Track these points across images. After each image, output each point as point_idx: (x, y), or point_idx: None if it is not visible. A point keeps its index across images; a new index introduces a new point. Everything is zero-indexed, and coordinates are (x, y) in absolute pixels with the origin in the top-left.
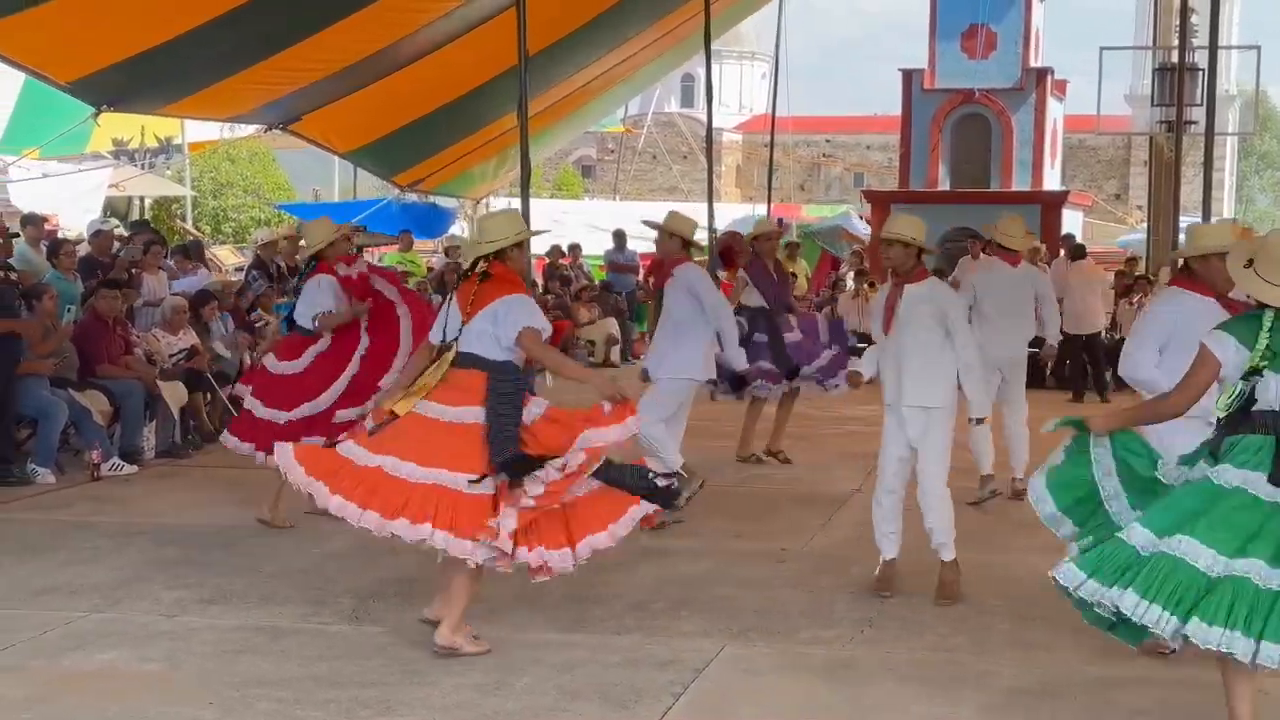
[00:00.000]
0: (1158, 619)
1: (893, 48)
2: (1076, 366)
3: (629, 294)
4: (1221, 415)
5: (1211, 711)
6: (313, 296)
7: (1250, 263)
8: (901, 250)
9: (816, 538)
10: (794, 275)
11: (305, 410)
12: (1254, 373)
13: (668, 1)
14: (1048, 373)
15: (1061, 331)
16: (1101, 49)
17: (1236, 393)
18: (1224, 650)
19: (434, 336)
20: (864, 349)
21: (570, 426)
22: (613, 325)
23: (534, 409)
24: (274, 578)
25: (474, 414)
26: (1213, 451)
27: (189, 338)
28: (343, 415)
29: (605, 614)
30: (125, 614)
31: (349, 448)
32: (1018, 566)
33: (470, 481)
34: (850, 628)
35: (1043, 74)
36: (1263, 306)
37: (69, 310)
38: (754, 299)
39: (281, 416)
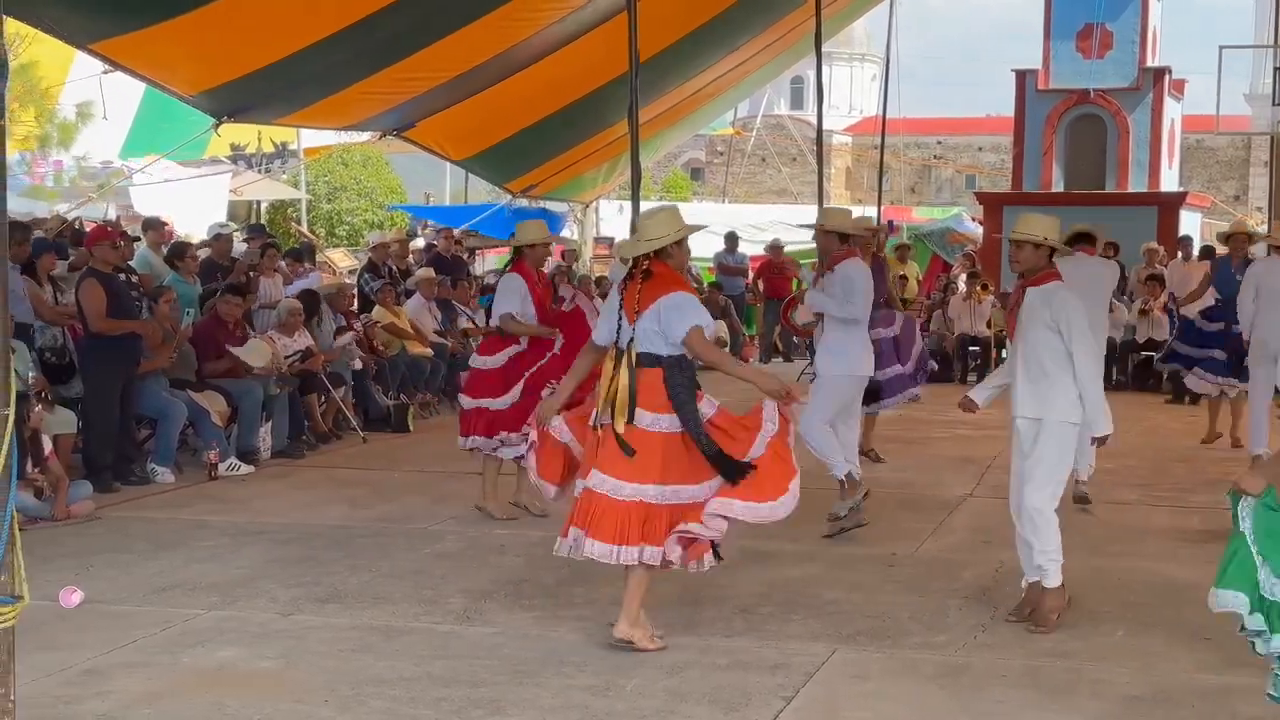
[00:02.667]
0: None
1: (1005, 48)
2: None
3: (738, 296)
4: None
5: None
6: (501, 294)
7: None
8: (1032, 251)
9: (927, 543)
10: (904, 278)
11: (487, 403)
12: None
13: (779, 5)
14: (1164, 376)
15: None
16: (1221, 48)
17: None
18: None
19: (601, 338)
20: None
21: (735, 438)
22: (721, 328)
23: (705, 408)
24: (387, 577)
25: (672, 422)
26: None
27: (304, 339)
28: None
29: (714, 616)
30: (243, 612)
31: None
32: (1132, 572)
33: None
34: (963, 633)
35: (1160, 73)
36: None
37: (188, 313)
38: None
39: (468, 403)
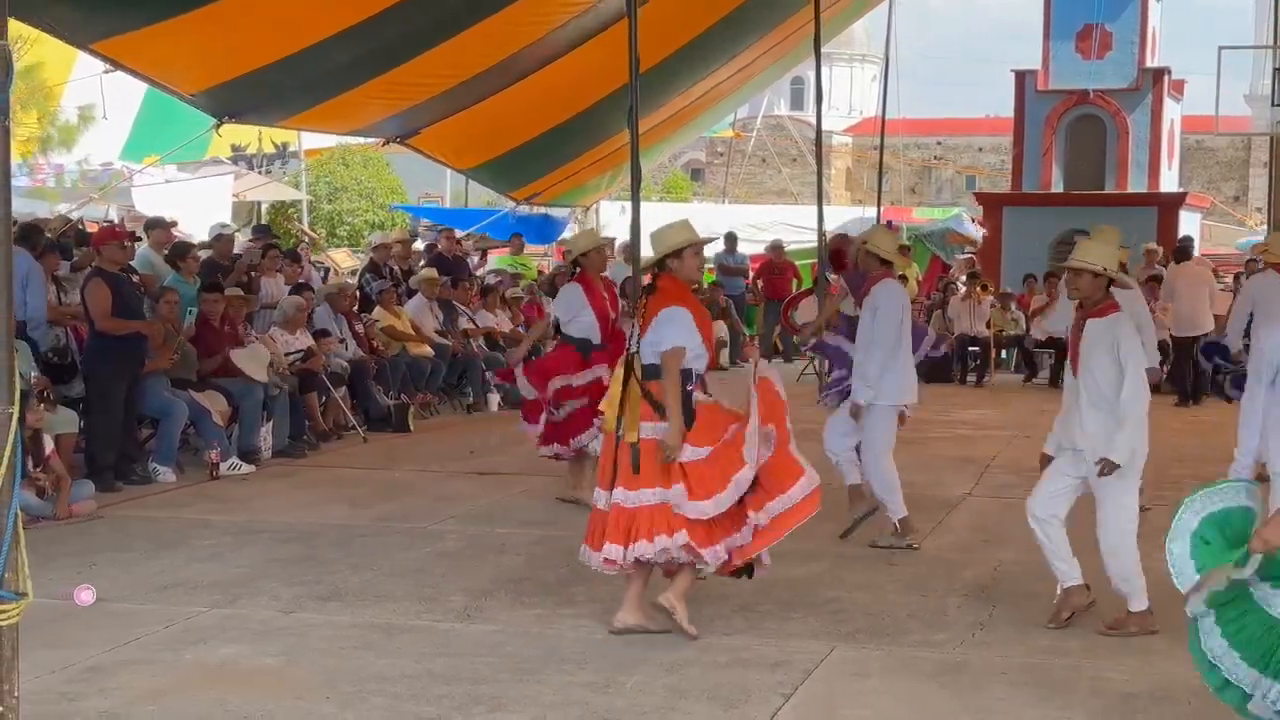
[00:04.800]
0: None
1: (1005, 49)
2: (1183, 369)
3: (738, 297)
4: None
5: None
6: (563, 303)
7: None
8: (1090, 281)
9: (927, 541)
10: (904, 278)
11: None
12: None
13: (779, 9)
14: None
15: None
16: (1220, 48)
17: None
18: None
19: (631, 346)
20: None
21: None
22: (721, 328)
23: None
24: (388, 576)
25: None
26: None
27: (305, 339)
28: None
29: (714, 614)
30: (244, 610)
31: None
32: None
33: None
34: (962, 631)
35: (1159, 74)
36: None
37: (190, 313)
38: (853, 308)
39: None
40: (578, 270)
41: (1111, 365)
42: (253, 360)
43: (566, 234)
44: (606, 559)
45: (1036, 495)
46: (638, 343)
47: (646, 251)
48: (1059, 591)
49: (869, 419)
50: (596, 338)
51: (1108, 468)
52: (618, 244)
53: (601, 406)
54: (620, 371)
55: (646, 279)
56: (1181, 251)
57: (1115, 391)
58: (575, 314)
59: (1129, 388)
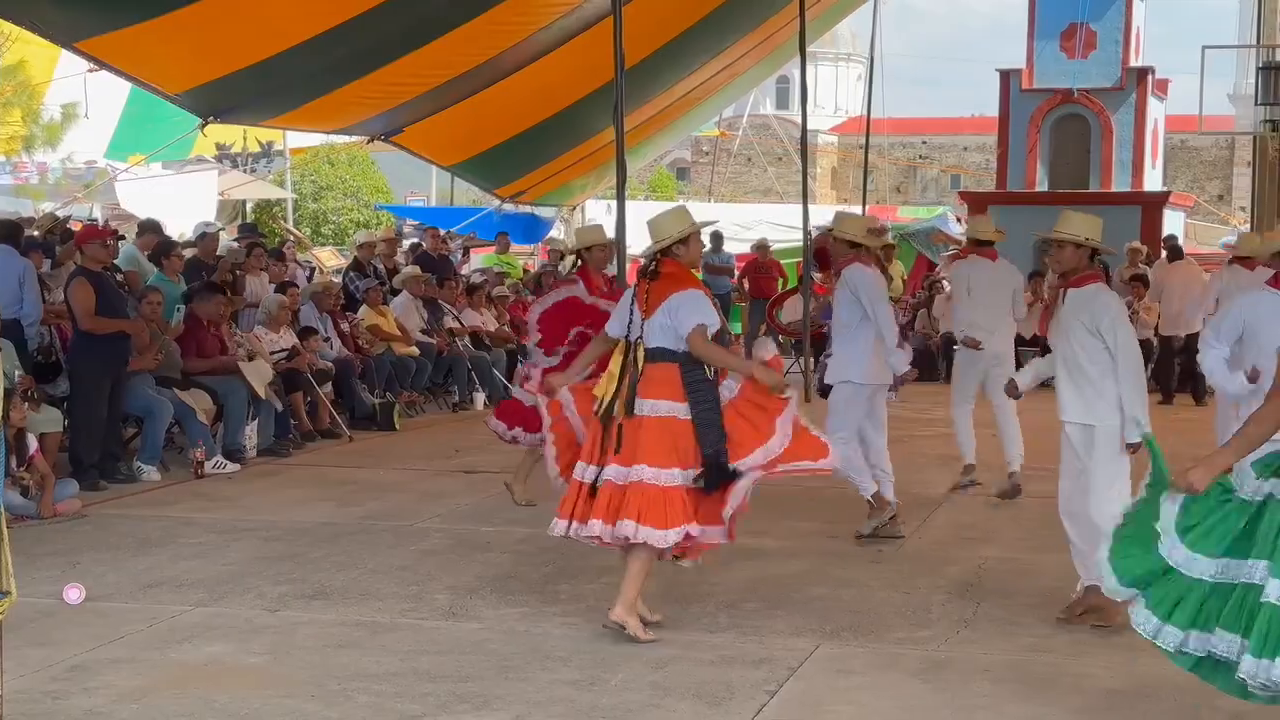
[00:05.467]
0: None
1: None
2: (1168, 368)
3: (724, 295)
4: None
5: None
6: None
7: None
8: (1073, 251)
9: (911, 539)
10: (889, 277)
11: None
12: None
13: (764, 7)
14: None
15: (1156, 332)
16: (1204, 48)
17: None
18: None
19: (613, 330)
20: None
21: (758, 425)
22: None
23: (725, 392)
24: (374, 574)
25: (680, 409)
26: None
27: (289, 337)
28: None
29: (699, 612)
30: (230, 608)
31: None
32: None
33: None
34: (946, 628)
35: (1144, 73)
36: None
37: (177, 310)
38: None
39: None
40: (579, 264)
41: (1088, 336)
42: (257, 375)
43: (554, 234)
44: (589, 535)
45: (1062, 497)
46: (640, 327)
47: (635, 248)
48: (1080, 589)
49: (832, 398)
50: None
51: (1133, 449)
52: (575, 229)
53: (595, 391)
54: (618, 358)
55: (632, 265)
56: (1173, 251)
57: (1091, 362)
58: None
59: (1122, 355)
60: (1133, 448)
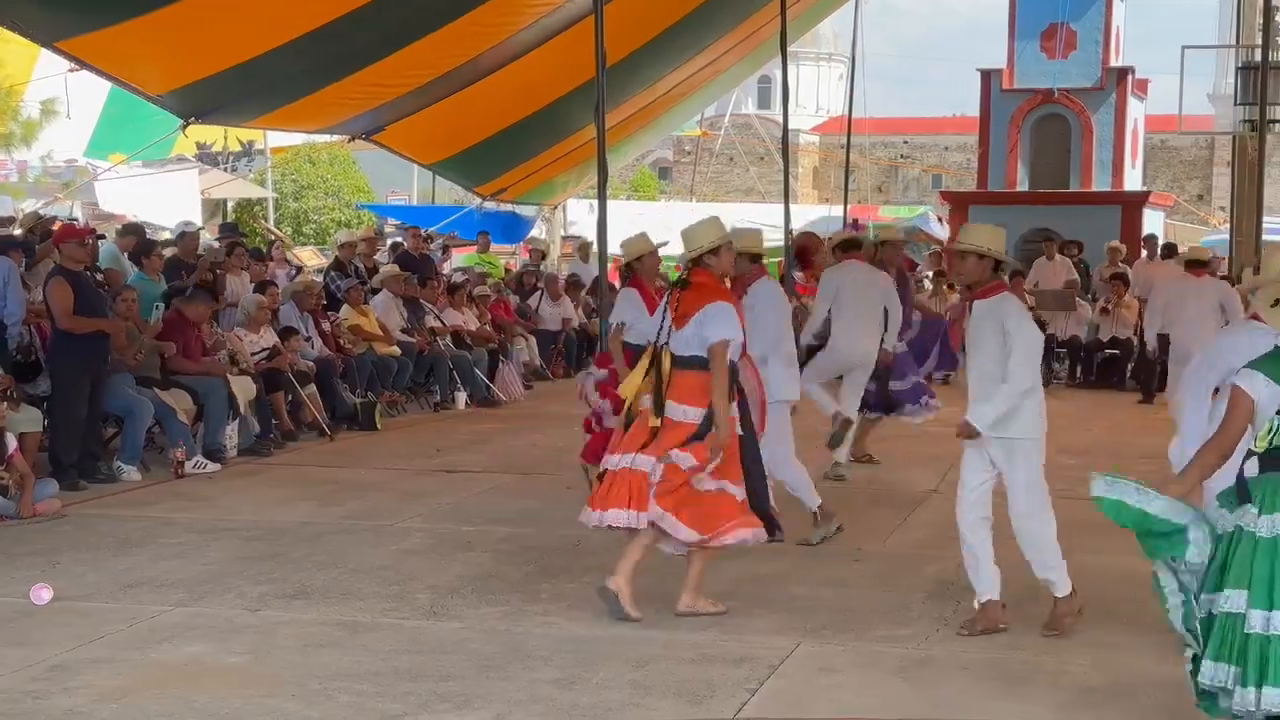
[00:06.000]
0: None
1: (971, 48)
2: (1151, 367)
3: None
4: (1260, 451)
5: None
6: (616, 306)
7: (1278, 301)
8: (976, 262)
9: (892, 538)
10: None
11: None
12: None
13: (744, 6)
14: (1128, 374)
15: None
16: (1184, 48)
17: (1274, 428)
18: None
19: (660, 339)
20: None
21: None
22: None
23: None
24: (354, 573)
25: (699, 414)
26: (1246, 491)
27: (270, 337)
28: None
29: None
30: (211, 608)
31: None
32: (1093, 566)
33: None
34: (926, 626)
35: (1124, 73)
36: None
37: (156, 309)
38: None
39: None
40: (631, 275)
41: (997, 346)
42: (240, 389)
43: (535, 233)
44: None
45: (965, 507)
46: (669, 335)
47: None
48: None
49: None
50: None
51: (966, 430)
52: (622, 240)
53: (620, 392)
54: (645, 362)
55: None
56: (1167, 249)
57: (1001, 371)
58: (636, 320)
59: (1015, 359)
60: (964, 430)
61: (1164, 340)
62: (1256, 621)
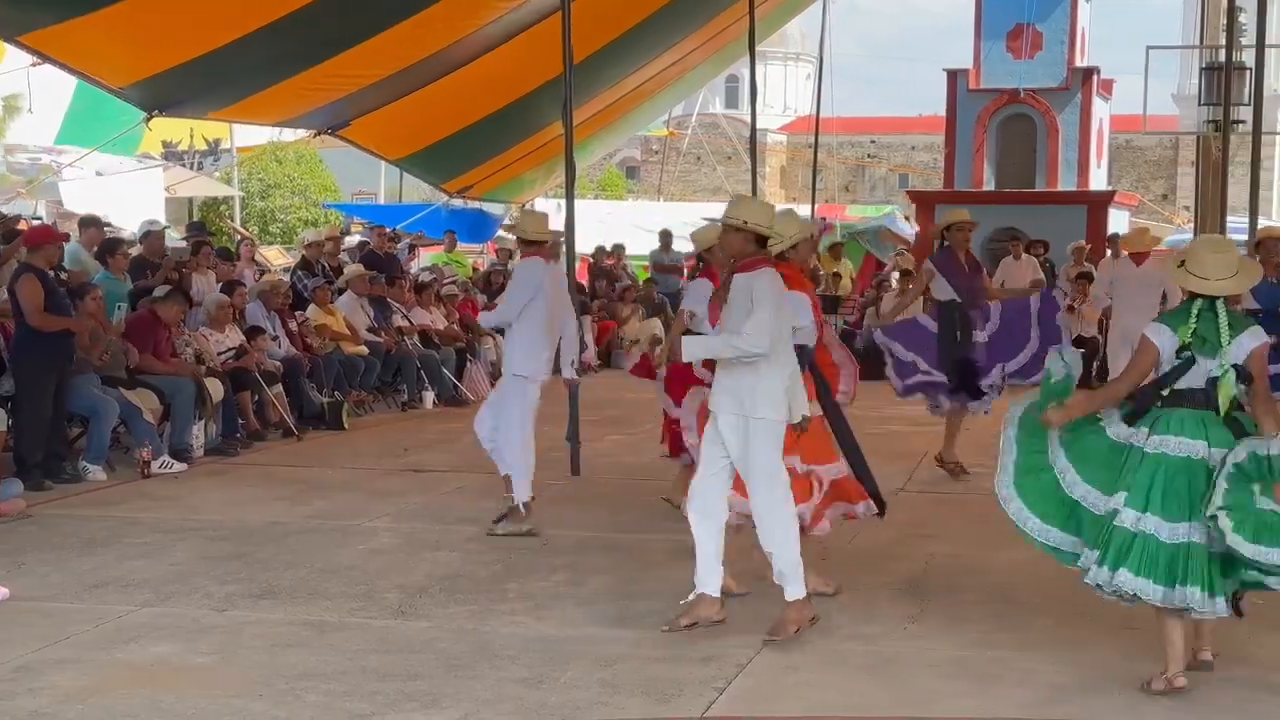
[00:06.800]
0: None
1: (938, 48)
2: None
3: (673, 294)
4: (1164, 395)
5: (1252, 708)
6: (688, 295)
7: (1182, 262)
8: (737, 236)
9: (859, 536)
10: (838, 275)
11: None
12: (1185, 349)
13: (712, 4)
14: (1093, 371)
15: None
16: (1148, 48)
17: (1172, 369)
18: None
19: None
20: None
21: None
22: (656, 325)
23: None
24: (321, 573)
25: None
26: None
27: (236, 336)
28: None
29: (648, 609)
30: (177, 608)
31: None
32: (1053, 564)
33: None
34: (893, 625)
35: (1089, 73)
36: (1193, 297)
37: (119, 308)
38: (944, 292)
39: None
40: (703, 266)
41: (745, 317)
42: (213, 391)
43: (502, 232)
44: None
45: (700, 496)
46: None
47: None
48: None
49: (505, 390)
50: None
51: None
52: (693, 232)
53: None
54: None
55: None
56: (1109, 240)
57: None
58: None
59: (751, 323)
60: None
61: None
62: (1128, 519)
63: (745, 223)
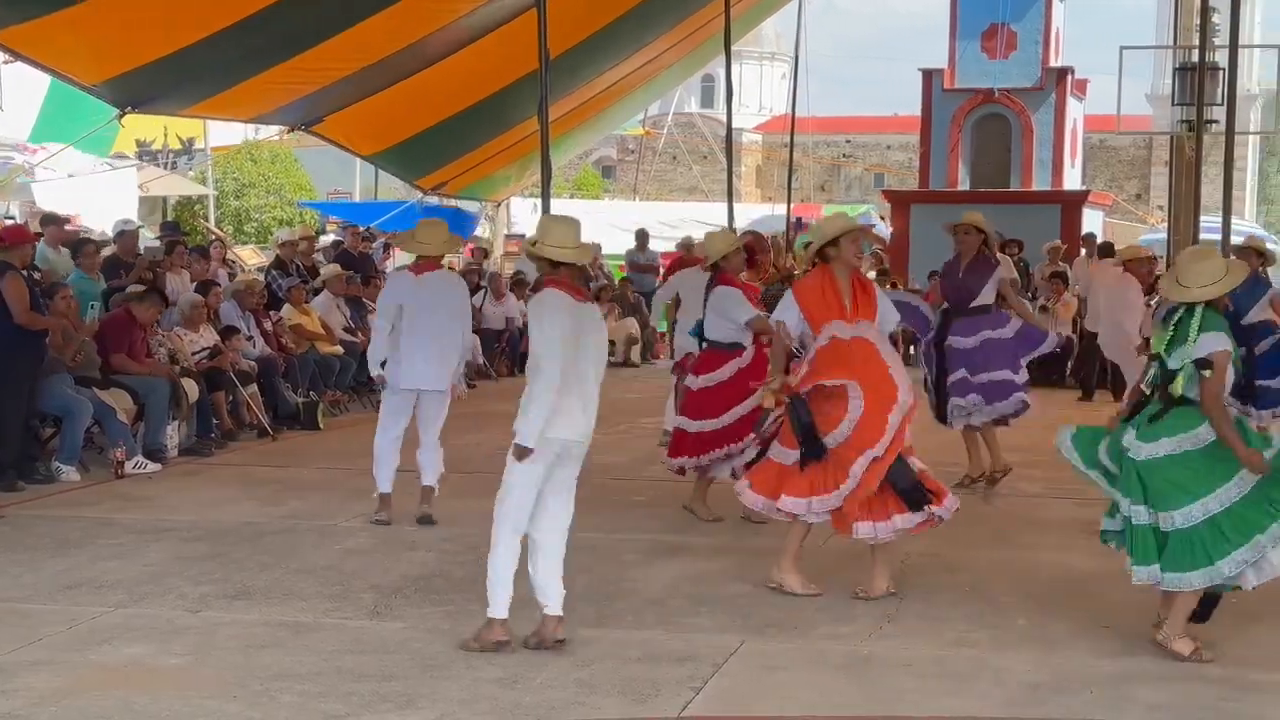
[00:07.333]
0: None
1: (913, 48)
2: (1092, 365)
3: (649, 293)
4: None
5: (1228, 706)
6: (724, 307)
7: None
8: (539, 261)
9: (835, 536)
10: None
11: (727, 420)
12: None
13: (688, 3)
14: (1067, 372)
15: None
16: (1122, 48)
17: (1150, 374)
18: None
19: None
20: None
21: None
22: (632, 325)
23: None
24: (296, 574)
25: None
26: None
27: (210, 336)
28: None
29: (624, 609)
30: (151, 609)
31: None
32: (1035, 563)
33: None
34: (869, 624)
35: (1063, 73)
36: (1178, 305)
37: (92, 308)
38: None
39: (709, 425)
40: (718, 272)
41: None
42: (189, 391)
43: (478, 231)
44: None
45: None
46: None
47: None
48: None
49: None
50: (747, 341)
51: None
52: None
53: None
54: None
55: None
56: (1105, 248)
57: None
58: (754, 310)
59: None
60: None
61: (1092, 338)
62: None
63: (534, 250)
